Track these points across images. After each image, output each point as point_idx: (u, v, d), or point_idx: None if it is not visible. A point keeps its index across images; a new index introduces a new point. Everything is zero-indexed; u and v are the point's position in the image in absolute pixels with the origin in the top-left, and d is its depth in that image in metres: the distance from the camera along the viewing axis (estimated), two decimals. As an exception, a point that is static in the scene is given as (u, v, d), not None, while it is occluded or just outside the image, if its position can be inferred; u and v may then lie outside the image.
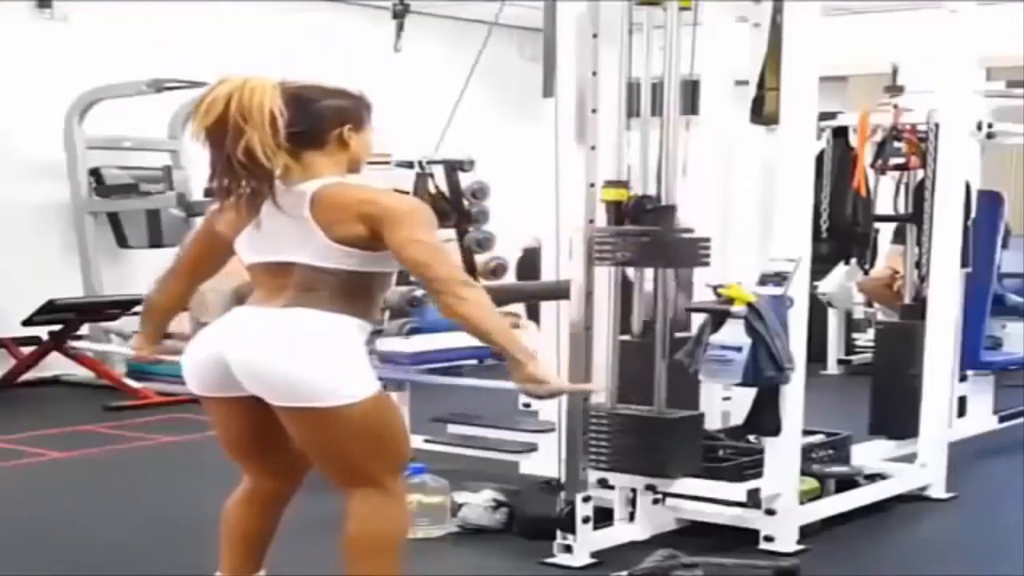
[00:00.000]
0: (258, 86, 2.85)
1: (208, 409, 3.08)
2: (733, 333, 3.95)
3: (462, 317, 2.82)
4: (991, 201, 5.86)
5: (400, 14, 7.67)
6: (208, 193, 7.52)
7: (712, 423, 4.59)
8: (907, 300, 5.38)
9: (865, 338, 8.46)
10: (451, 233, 6.21)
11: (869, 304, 8.42)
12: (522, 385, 2.87)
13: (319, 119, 2.97)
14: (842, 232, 5.06)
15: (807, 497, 4.33)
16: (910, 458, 4.98)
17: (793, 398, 4.12)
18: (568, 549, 3.97)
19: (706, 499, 4.16)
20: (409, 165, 6.16)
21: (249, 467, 3.16)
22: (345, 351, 2.91)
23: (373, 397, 2.91)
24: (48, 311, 7.22)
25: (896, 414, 5.16)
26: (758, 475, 4.18)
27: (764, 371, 3.96)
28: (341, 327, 2.92)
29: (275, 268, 2.96)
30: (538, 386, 2.86)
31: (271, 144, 2.84)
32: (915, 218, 5.23)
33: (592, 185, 3.95)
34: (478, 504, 4.35)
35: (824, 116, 4.91)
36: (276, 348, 2.88)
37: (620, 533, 4.19)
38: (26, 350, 7.46)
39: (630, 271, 4.28)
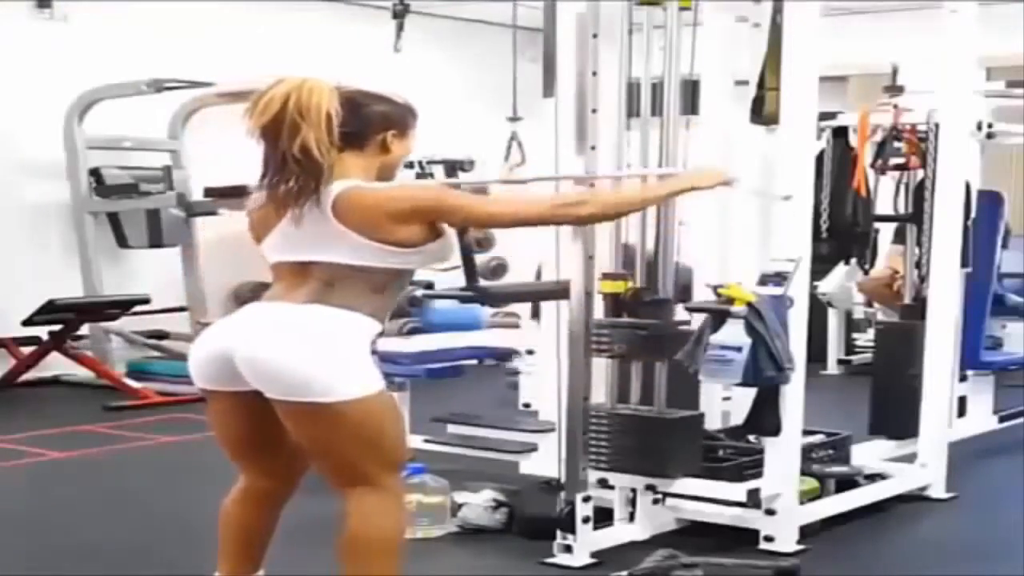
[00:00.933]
0: (316, 87, 2.93)
1: (209, 403, 3.09)
2: (733, 333, 3.95)
3: (602, 219, 3.47)
4: (991, 201, 5.86)
5: (400, 14, 7.67)
6: (213, 193, 7.54)
7: (712, 423, 4.59)
8: (907, 300, 5.39)
9: (865, 338, 8.46)
10: (452, 233, 6.21)
11: (869, 304, 8.42)
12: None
13: (366, 122, 3.05)
14: (842, 232, 5.06)
15: (807, 497, 4.33)
16: (910, 458, 4.98)
17: (793, 398, 4.12)
18: (568, 549, 3.97)
19: (706, 499, 4.16)
20: (409, 165, 6.16)
21: (246, 466, 3.16)
22: (349, 349, 2.92)
23: (374, 395, 2.92)
24: (48, 311, 7.21)
25: (896, 414, 5.16)
26: (758, 475, 4.18)
27: (764, 371, 3.96)
28: (351, 325, 2.94)
29: (299, 267, 3.00)
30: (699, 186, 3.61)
31: (326, 142, 2.92)
32: (915, 218, 5.23)
33: (592, 185, 3.94)
34: (478, 504, 4.35)
35: (824, 116, 4.91)
36: (280, 342, 2.90)
37: (620, 533, 4.19)
38: (26, 350, 7.46)
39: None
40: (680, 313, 4.23)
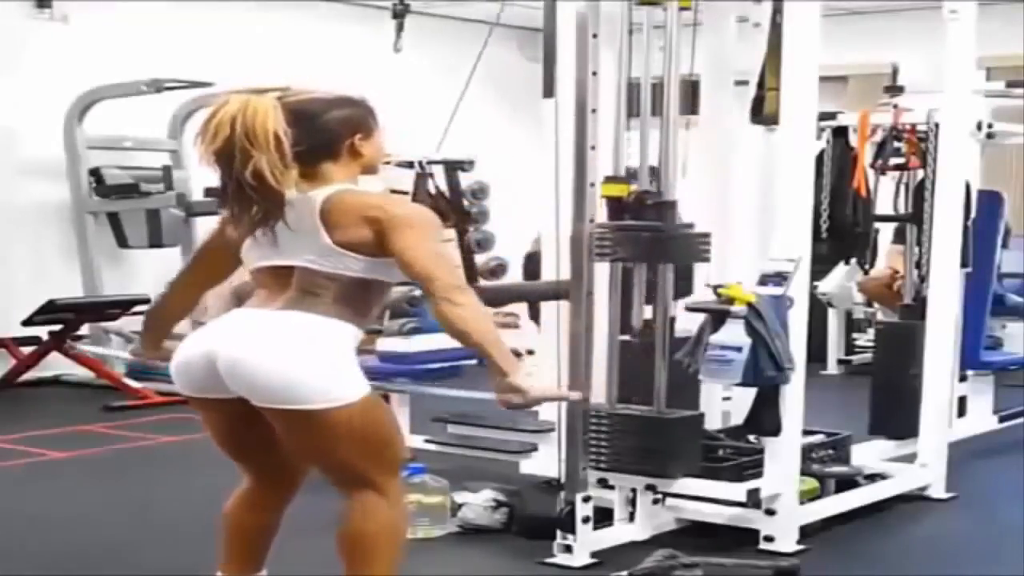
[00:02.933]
0: (260, 107, 2.84)
1: (196, 410, 3.09)
2: (733, 333, 3.95)
3: (451, 322, 2.81)
4: (991, 201, 5.86)
5: (400, 14, 7.67)
6: (213, 193, 7.53)
7: (712, 423, 4.59)
8: (907, 300, 5.38)
9: (865, 338, 8.46)
10: (451, 233, 6.20)
11: (869, 304, 8.42)
12: (501, 395, 2.86)
13: (328, 133, 2.98)
14: (842, 232, 5.06)
15: (807, 497, 4.33)
16: (910, 458, 4.98)
17: (793, 398, 4.12)
18: (568, 549, 3.97)
19: (706, 499, 4.16)
20: (409, 165, 6.16)
21: (244, 467, 3.16)
22: (333, 355, 2.89)
23: (362, 399, 2.89)
24: (48, 311, 7.21)
25: (896, 414, 5.16)
26: (758, 475, 4.17)
27: (764, 371, 3.96)
28: (332, 331, 2.91)
29: (278, 272, 2.97)
30: (516, 396, 2.84)
31: (279, 166, 2.84)
32: (915, 218, 5.23)
33: (592, 185, 3.94)
34: (478, 504, 4.35)
35: (824, 116, 4.91)
36: (262, 349, 2.87)
37: (620, 533, 4.19)
38: (26, 350, 7.45)
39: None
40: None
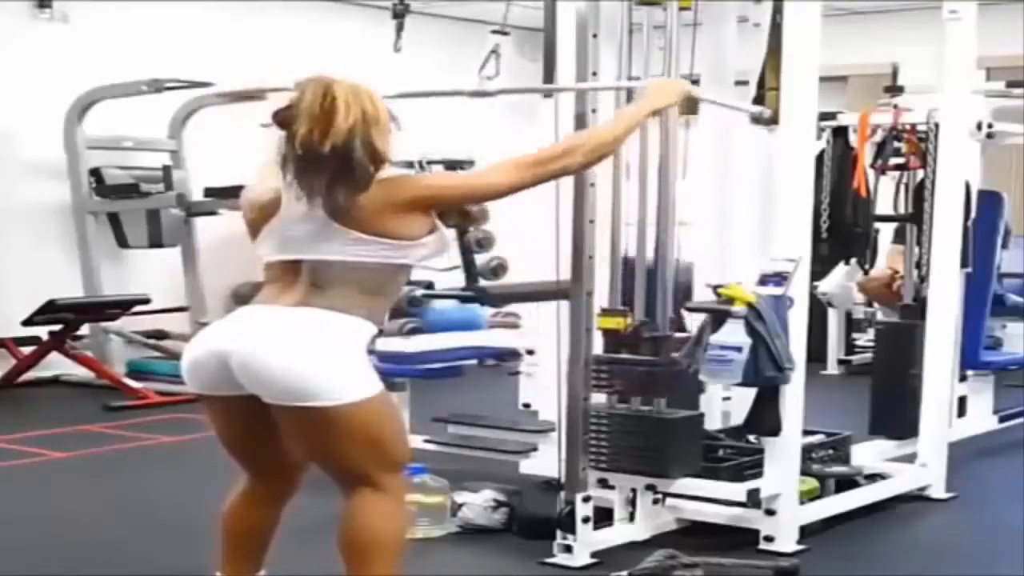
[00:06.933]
0: (365, 90, 2.94)
1: (206, 407, 3.09)
2: (733, 333, 3.95)
3: (591, 165, 3.38)
4: (991, 201, 5.86)
5: (400, 14, 7.67)
6: (213, 193, 7.53)
7: (712, 423, 4.59)
8: (907, 300, 5.39)
9: (865, 338, 8.46)
10: (451, 233, 6.20)
11: (869, 304, 8.42)
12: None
13: None
14: (842, 232, 5.06)
15: (807, 497, 4.33)
16: (910, 458, 4.99)
17: (793, 398, 4.12)
18: (568, 549, 3.97)
19: (706, 499, 4.17)
20: (409, 165, 6.17)
21: (248, 466, 3.16)
22: (345, 351, 2.91)
23: (372, 398, 2.91)
24: (48, 311, 7.21)
25: (896, 414, 5.16)
26: (758, 475, 4.18)
27: (764, 371, 3.96)
28: (346, 327, 2.92)
29: (292, 267, 2.98)
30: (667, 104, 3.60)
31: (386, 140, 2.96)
32: (915, 218, 5.24)
33: (592, 184, 3.94)
34: (478, 504, 4.36)
35: (824, 116, 4.91)
36: (275, 346, 2.89)
37: (620, 533, 4.19)
38: (26, 350, 7.45)
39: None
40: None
